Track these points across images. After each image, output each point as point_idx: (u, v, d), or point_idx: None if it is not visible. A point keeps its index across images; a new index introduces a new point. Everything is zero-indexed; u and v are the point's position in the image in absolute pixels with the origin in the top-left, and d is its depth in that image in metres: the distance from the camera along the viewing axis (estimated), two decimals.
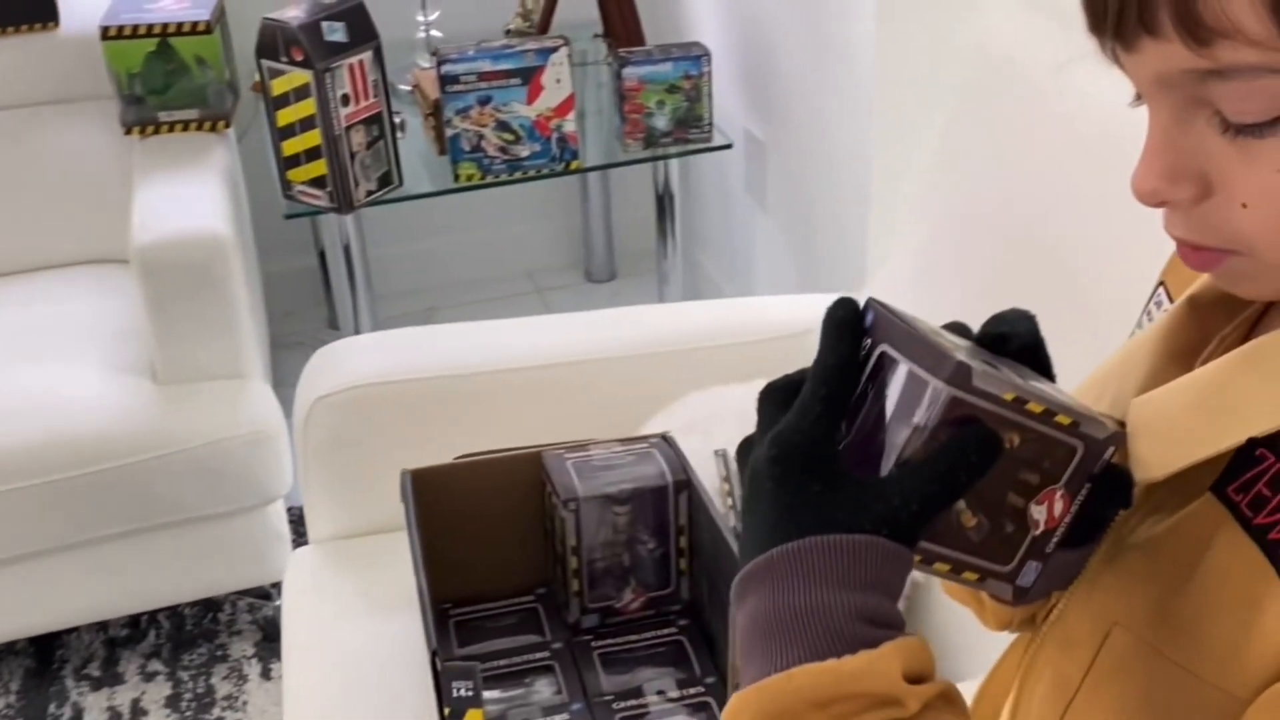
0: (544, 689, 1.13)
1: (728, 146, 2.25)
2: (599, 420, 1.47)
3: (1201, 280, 0.65)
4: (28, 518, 1.83)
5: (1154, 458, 0.58)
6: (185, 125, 2.16)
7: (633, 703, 1.11)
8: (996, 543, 0.57)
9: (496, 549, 1.23)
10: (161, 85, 2.13)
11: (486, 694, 1.12)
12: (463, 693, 0.96)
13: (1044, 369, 0.61)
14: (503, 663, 1.16)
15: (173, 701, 1.97)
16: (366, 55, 1.99)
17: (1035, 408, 0.55)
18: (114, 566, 1.91)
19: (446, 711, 0.97)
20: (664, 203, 2.40)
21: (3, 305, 2.10)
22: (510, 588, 1.24)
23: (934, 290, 1.54)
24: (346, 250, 2.20)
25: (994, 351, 0.59)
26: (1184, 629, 0.56)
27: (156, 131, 2.15)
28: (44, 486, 1.81)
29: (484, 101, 2.06)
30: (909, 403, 0.54)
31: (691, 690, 1.12)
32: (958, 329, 0.61)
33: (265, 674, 2.00)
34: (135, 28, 2.09)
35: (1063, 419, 0.56)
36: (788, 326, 1.73)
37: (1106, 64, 0.55)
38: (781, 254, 2.37)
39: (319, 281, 2.73)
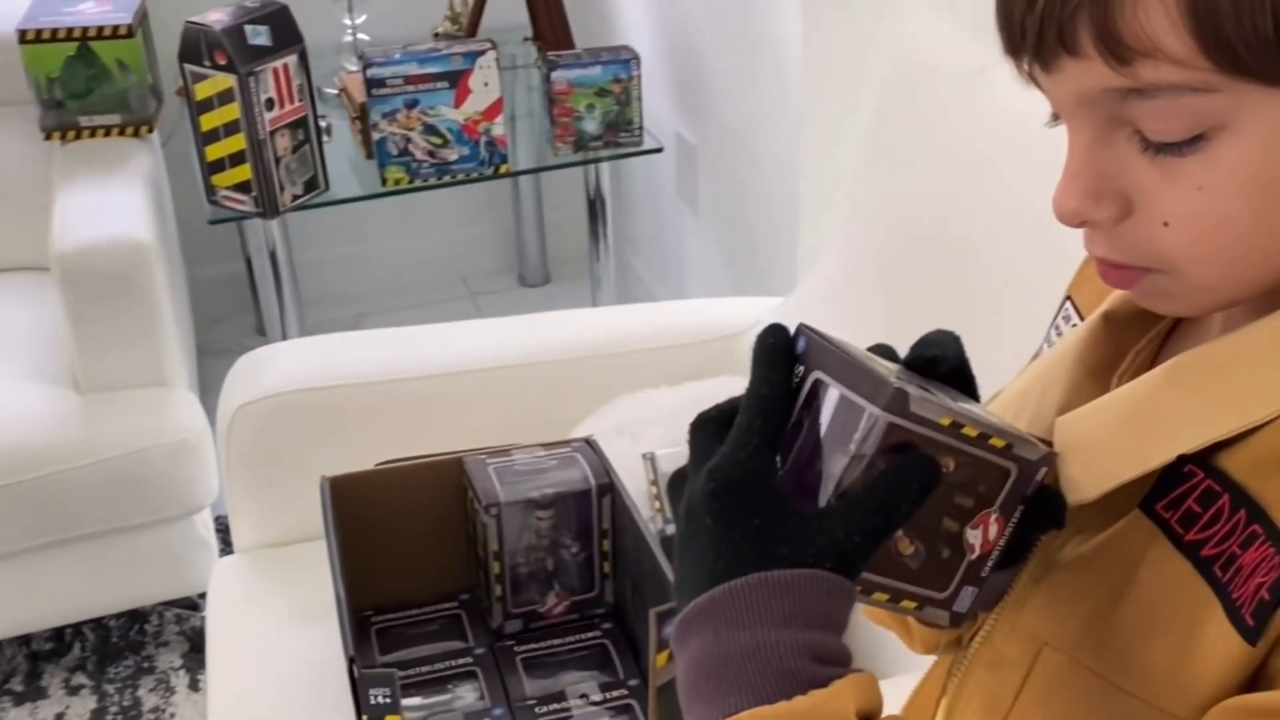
0: (467, 695, 1.13)
1: (658, 150, 2.26)
2: (529, 425, 1.47)
3: (1115, 295, 0.65)
4: None
5: (1084, 478, 0.58)
6: (107, 130, 2.13)
7: (555, 706, 1.11)
8: (933, 569, 0.56)
9: (418, 555, 1.22)
10: (82, 89, 2.10)
11: (409, 701, 1.11)
12: (380, 699, 0.95)
13: (970, 390, 0.61)
14: (425, 669, 1.15)
15: (98, 716, 1.93)
16: (291, 59, 1.97)
17: (970, 431, 0.54)
18: (36, 579, 1.88)
19: (364, 718, 0.96)
20: (595, 206, 2.40)
21: None
22: (433, 594, 1.24)
23: (857, 295, 1.55)
24: (273, 256, 2.18)
25: (923, 375, 0.59)
26: (1118, 648, 0.56)
27: (78, 137, 2.12)
28: None
29: (411, 105, 2.05)
30: (845, 430, 0.53)
31: (614, 693, 1.12)
32: (885, 352, 0.60)
33: (193, 685, 1.98)
34: (54, 31, 2.06)
35: (996, 442, 0.55)
36: (717, 330, 1.73)
37: (1024, 82, 0.54)
38: (713, 256, 2.38)
39: (246, 288, 2.71)
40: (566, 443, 1.23)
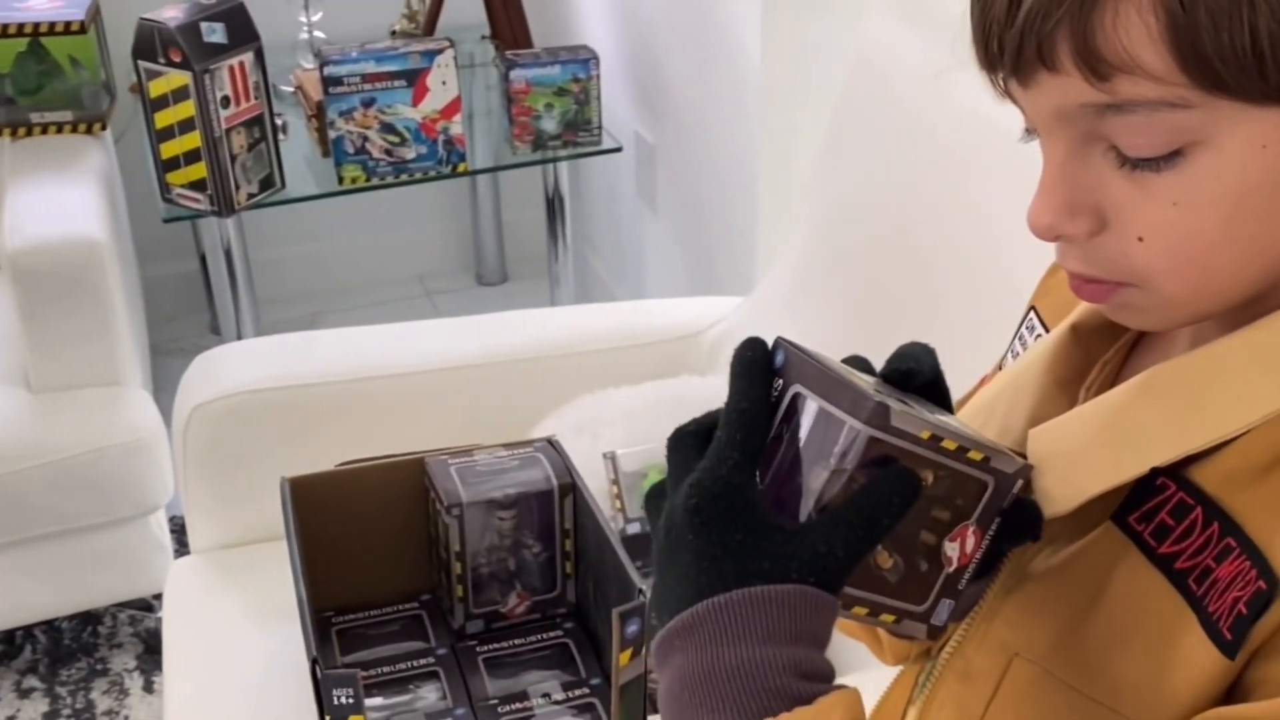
0: (429, 695, 1.12)
1: (617, 149, 2.26)
2: (488, 425, 1.47)
3: (1083, 307, 0.65)
4: None
5: (1059, 491, 0.58)
6: (59, 127, 2.10)
7: (517, 706, 1.10)
8: (912, 583, 0.56)
9: (379, 556, 1.22)
10: (33, 86, 2.07)
11: (370, 701, 1.11)
12: (343, 700, 0.95)
13: (944, 403, 0.61)
14: (387, 670, 1.15)
15: (51, 718, 1.91)
16: (247, 56, 1.95)
17: (950, 445, 0.54)
18: None
19: (327, 719, 0.96)
20: (554, 205, 2.40)
21: None
22: (394, 595, 1.23)
23: (816, 295, 1.56)
24: (228, 254, 2.16)
25: (899, 388, 0.59)
26: (1091, 660, 0.56)
27: (29, 133, 2.09)
28: None
29: (368, 103, 2.04)
30: (825, 444, 0.53)
31: (576, 692, 1.12)
32: (860, 364, 0.60)
33: (148, 687, 1.96)
34: (5, 27, 2.03)
35: (975, 455, 0.55)
36: (676, 330, 1.74)
37: (998, 96, 0.54)
38: (672, 256, 2.38)
39: (201, 286, 2.68)
40: (529, 443, 1.23)
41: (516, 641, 1.18)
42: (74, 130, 2.11)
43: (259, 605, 1.48)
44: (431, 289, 2.92)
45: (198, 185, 1.99)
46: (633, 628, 1.00)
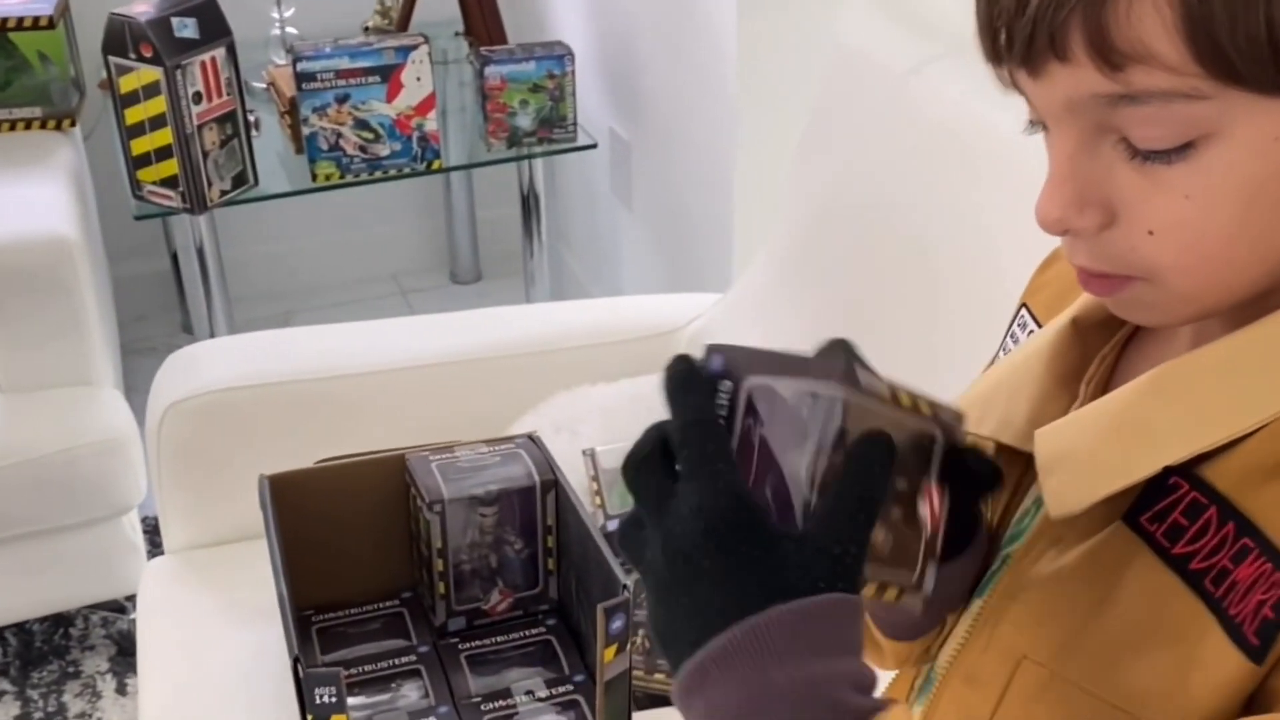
0: (411, 693, 1.11)
1: (592, 146, 2.25)
2: (466, 423, 1.46)
3: (1082, 301, 0.65)
4: None
5: (1070, 491, 0.57)
6: (28, 124, 2.08)
7: (501, 704, 1.10)
8: (901, 552, 0.55)
9: (360, 554, 1.21)
10: (2, 82, 2.05)
11: (352, 701, 1.09)
12: (325, 698, 0.94)
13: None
14: (368, 668, 1.14)
15: None
16: (219, 52, 1.94)
17: (905, 399, 0.54)
18: None
19: (310, 718, 0.94)
20: (529, 203, 2.39)
21: None
22: (375, 592, 1.22)
23: (794, 291, 1.56)
24: (200, 252, 2.14)
25: None
26: (1103, 662, 0.55)
27: None
28: None
29: (342, 99, 2.03)
30: (800, 423, 0.51)
31: (560, 689, 1.11)
32: (844, 346, 0.57)
33: (120, 689, 1.94)
34: None
35: (924, 408, 0.55)
36: (653, 327, 1.73)
37: (1003, 88, 0.54)
38: (648, 254, 2.38)
39: (171, 285, 2.66)
40: (510, 439, 1.22)
41: (499, 639, 1.17)
42: (43, 127, 2.09)
43: (234, 605, 1.47)
44: (406, 287, 2.90)
45: (169, 182, 1.97)
46: (617, 623, 0.99)
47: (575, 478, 1.34)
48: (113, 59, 1.89)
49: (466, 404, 1.61)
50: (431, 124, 2.08)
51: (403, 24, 2.37)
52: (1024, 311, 0.72)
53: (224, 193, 2.02)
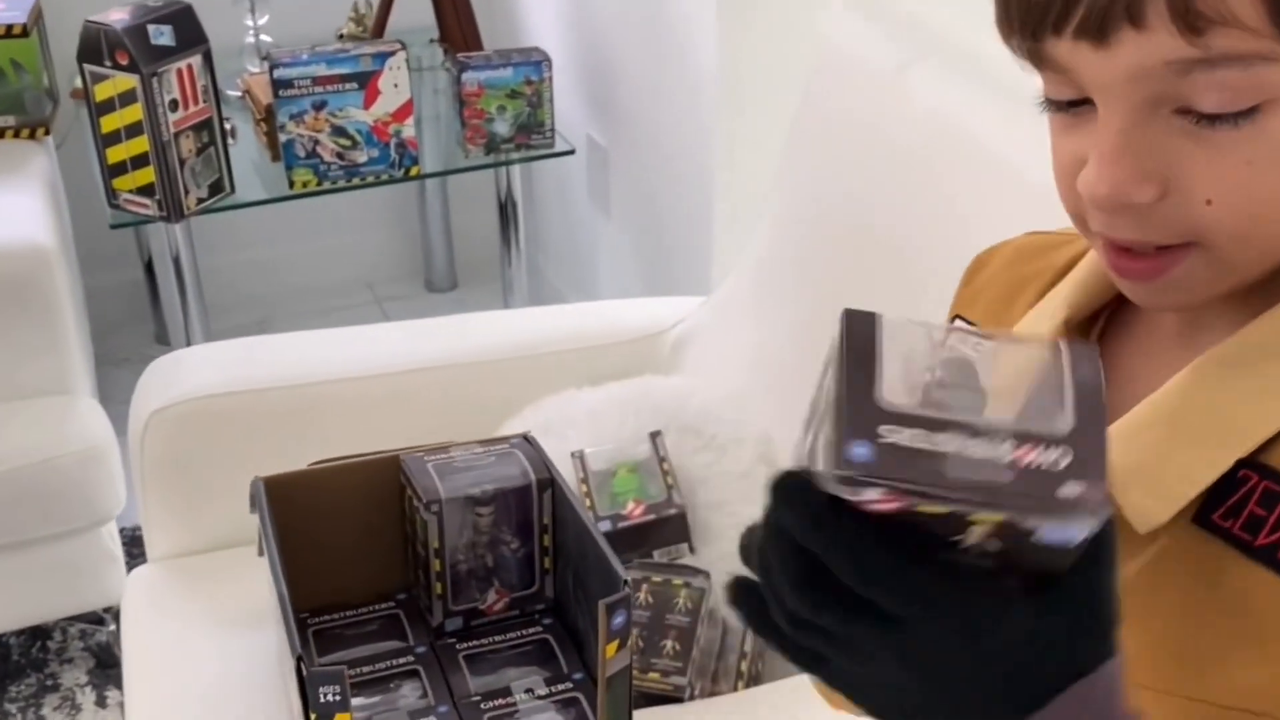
0: (409, 694, 1.11)
1: (570, 152, 2.25)
2: (453, 427, 1.45)
3: (1073, 301, 0.64)
4: None
5: (1151, 504, 0.56)
6: (1, 133, 2.06)
7: (500, 702, 1.09)
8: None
9: (355, 555, 1.20)
10: None
11: (352, 702, 1.09)
12: (330, 697, 0.93)
13: None
14: (366, 669, 1.13)
15: None
16: (195, 59, 1.93)
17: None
18: None
19: (314, 718, 0.94)
20: (506, 210, 2.39)
21: None
22: (370, 594, 1.21)
23: (780, 293, 1.57)
24: (176, 261, 2.12)
25: None
26: (1204, 667, 0.54)
27: None
28: None
29: (319, 106, 2.02)
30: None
31: (560, 687, 1.11)
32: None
33: (100, 702, 1.92)
34: None
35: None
36: (638, 330, 1.74)
37: (1027, 68, 0.53)
38: (626, 260, 2.38)
39: (144, 295, 2.64)
40: (505, 439, 1.22)
41: (496, 638, 1.16)
42: (16, 136, 2.07)
43: (219, 613, 1.46)
44: (381, 295, 2.89)
45: (145, 190, 1.96)
46: (618, 619, 0.99)
47: (566, 480, 1.34)
48: (88, 66, 1.88)
49: (454, 408, 1.61)
50: (409, 130, 2.08)
51: (378, 31, 2.37)
52: (961, 324, 0.69)
53: (200, 200, 2.01)
